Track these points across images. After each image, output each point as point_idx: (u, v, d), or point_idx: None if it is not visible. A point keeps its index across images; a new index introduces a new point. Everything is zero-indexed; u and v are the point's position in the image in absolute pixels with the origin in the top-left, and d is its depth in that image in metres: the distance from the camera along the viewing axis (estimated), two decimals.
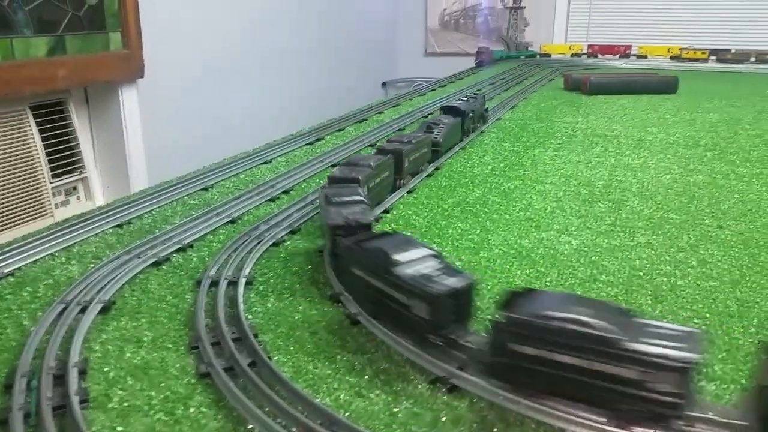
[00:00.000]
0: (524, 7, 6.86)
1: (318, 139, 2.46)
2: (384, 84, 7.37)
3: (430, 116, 2.83)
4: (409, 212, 1.64)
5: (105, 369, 0.92)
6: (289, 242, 1.42)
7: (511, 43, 6.60)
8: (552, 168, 2.12)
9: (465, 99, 2.51)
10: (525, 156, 2.28)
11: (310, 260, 1.32)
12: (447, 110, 2.34)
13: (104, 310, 1.09)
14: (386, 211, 1.62)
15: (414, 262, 0.96)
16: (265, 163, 2.12)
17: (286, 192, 1.79)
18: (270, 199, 1.72)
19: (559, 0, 6.98)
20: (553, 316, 0.78)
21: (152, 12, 3.46)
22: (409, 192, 1.79)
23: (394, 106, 3.28)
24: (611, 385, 0.75)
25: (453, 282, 0.91)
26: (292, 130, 2.61)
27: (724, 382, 0.90)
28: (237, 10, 4.50)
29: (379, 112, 3.08)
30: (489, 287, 1.22)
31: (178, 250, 1.37)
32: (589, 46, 6.20)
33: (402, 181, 1.77)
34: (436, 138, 2.04)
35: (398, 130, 2.64)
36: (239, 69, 4.51)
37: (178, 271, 1.28)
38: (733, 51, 5.97)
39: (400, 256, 0.97)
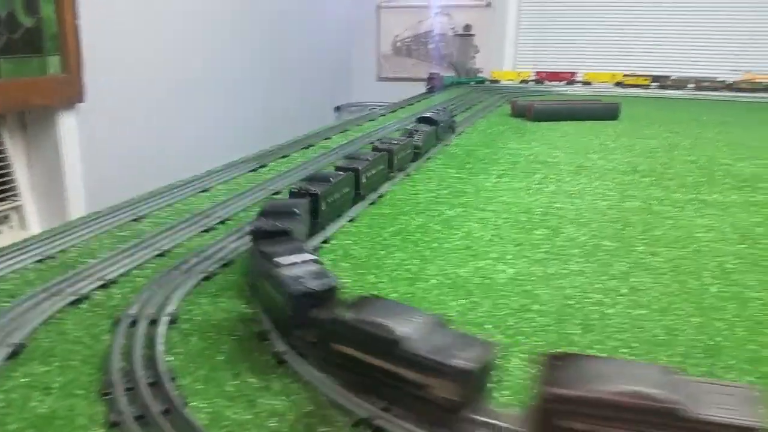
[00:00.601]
0: (474, 35, 7.02)
1: (261, 166, 2.43)
2: (337, 108, 7.39)
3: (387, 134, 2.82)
4: (349, 242, 1.62)
5: (6, 421, 0.86)
6: (220, 276, 1.38)
7: (461, 69, 6.73)
8: (494, 195, 2.14)
9: (436, 111, 2.88)
10: (469, 182, 2.29)
11: (241, 294, 1.28)
12: (422, 120, 2.76)
13: (13, 354, 1.03)
14: (325, 242, 1.60)
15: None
16: (203, 191, 2.07)
17: (222, 222, 1.75)
18: (205, 230, 1.67)
19: (507, 28, 7.18)
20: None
21: (94, 35, 3.38)
22: (350, 221, 1.78)
23: (342, 132, 3.28)
24: None
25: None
26: (242, 156, 2.57)
27: None
28: (184, 35, 4.45)
29: (327, 138, 3.07)
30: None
31: (100, 287, 1.31)
32: (537, 73, 6.37)
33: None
34: (416, 142, 2.41)
35: (345, 157, 2.62)
36: (185, 94, 4.45)
37: (97, 309, 1.22)
38: (673, 77, 6.23)
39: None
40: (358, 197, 1.86)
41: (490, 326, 1.18)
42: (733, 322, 1.23)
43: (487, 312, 1.25)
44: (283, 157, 2.62)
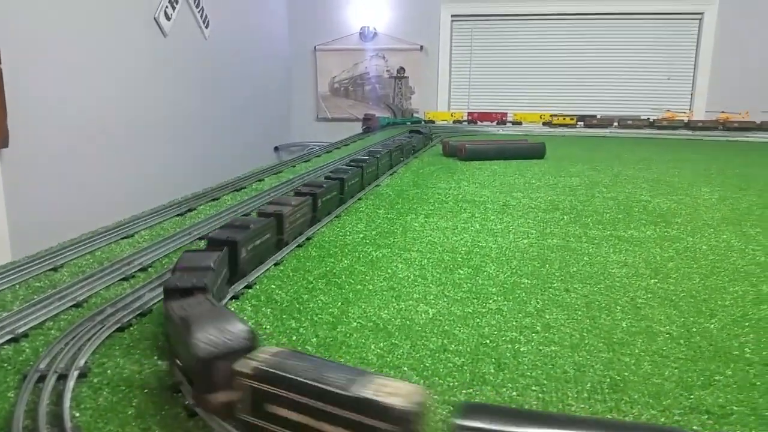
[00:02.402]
0: (407, 77, 7.22)
1: (189, 210, 2.40)
2: (276, 148, 7.39)
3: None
4: (273, 286, 1.61)
5: None
6: (136, 326, 1.35)
7: (396, 110, 6.89)
8: (421, 235, 2.18)
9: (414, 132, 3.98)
10: (397, 223, 2.33)
11: (156, 345, 1.25)
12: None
13: None
14: (248, 287, 1.59)
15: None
16: (126, 237, 2.03)
17: (143, 269, 1.71)
18: (124, 278, 1.63)
19: (441, 70, 7.44)
20: None
21: (19, 80, 3.29)
22: (276, 264, 1.77)
23: (275, 173, 3.28)
24: None
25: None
26: (171, 200, 2.53)
27: None
28: (113, 77, 4.38)
29: (260, 180, 3.07)
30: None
31: (9, 341, 1.26)
32: (469, 113, 6.60)
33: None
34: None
35: (269, 202, 2.63)
36: (114, 139, 4.36)
37: (5, 365, 1.17)
38: (598, 117, 6.58)
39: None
40: (281, 243, 1.85)
41: (407, 368, 1.20)
42: (640, 357, 1.29)
43: (407, 354, 1.27)
44: (213, 200, 2.60)
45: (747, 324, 1.46)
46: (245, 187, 2.87)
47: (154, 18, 4.90)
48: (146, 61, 4.82)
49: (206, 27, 5.66)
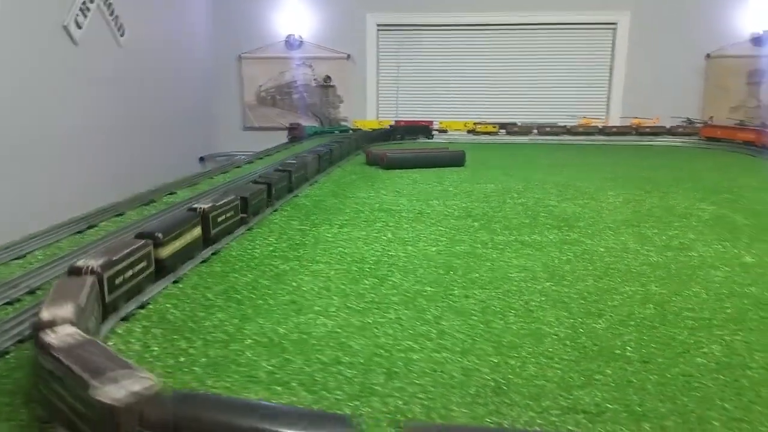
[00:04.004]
0: (334, 86, 7.23)
1: (90, 227, 2.30)
2: (202, 158, 7.23)
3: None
4: (168, 305, 1.57)
5: None
6: (13, 354, 1.28)
7: (324, 118, 6.88)
8: (332, 246, 2.18)
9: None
10: (309, 234, 2.32)
11: (31, 374, 1.19)
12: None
13: None
14: (142, 306, 1.54)
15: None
16: (18, 258, 1.92)
17: (31, 292, 1.63)
18: (8, 302, 1.55)
19: (368, 79, 7.49)
20: None
21: None
22: (175, 282, 1.73)
23: (190, 186, 3.20)
24: None
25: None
26: (70, 217, 2.41)
27: None
28: (17, 87, 4.17)
29: (171, 193, 2.99)
30: (228, 381, 1.19)
31: None
32: (397, 122, 6.66)
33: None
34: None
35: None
36: (21, 149, 4.14)
37: None
38: (519, 124, 6.79)
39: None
40: (160, 272, 1.68)
41: (296, 384, 1.19)
42: (526, 360, 1.33)
43: (298, 369, 1.26)
44: (118, 215, 2.51)
45: (632, 323, 1.53)
46: (155, 201, 2.78)
47: (64, 26, 4.69)
48: (55, 70, 4.61)
49: (121, 35, 5.48)
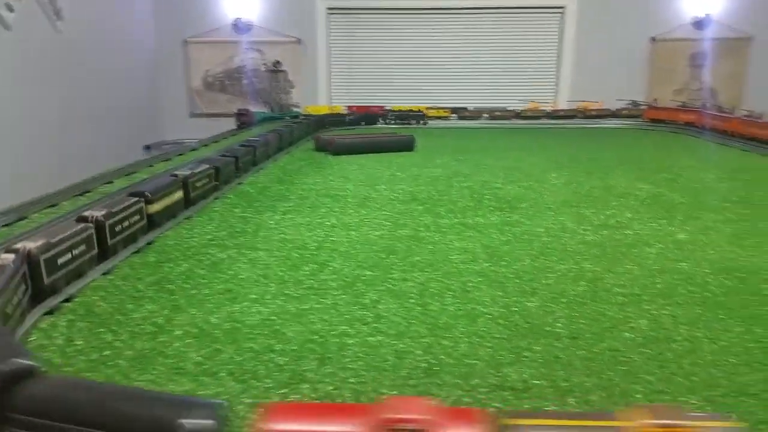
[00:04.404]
0: (285, 71, 7.11)
1: (21, 218, 2.20)
2: (148, 147, 7.02)
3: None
4: (96, 297, 1.52)
5: None
6: None
7: (274, 104, 6.76)
8: (274, 232, 2.15)
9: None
10: (251, 222, 2.28)
11: None
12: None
13: None
14: (68, 300, 1.48)
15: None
16: None
17: None
18: None
19: (319, 64, 7.39)
20: None
21: None
22: (105, 273, 1.67)
23: (127, 174, 3.10)
24: None
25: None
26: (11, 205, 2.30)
27: None
28: None
29: (108, 182, 2.89)
30: (153, 374, 1.16)
31: None
32: (348, 107, 6.61)
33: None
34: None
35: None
36: None
37: None
38: (470, 109, 6.83)
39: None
40: (103, 254, 1.72)
41: (224, 374, 1.17)
42: (459, 339, 1.34)
43: (228, 359, 1.23)
44: (52, 206, 2.41)
45: (563, 300, 1.56)
46: (90, 191, 2.69)
47: None
48: None
49: (58, 19, 5.24)
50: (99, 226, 1.70)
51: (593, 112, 6.64)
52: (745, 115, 5.43)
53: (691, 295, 1.60)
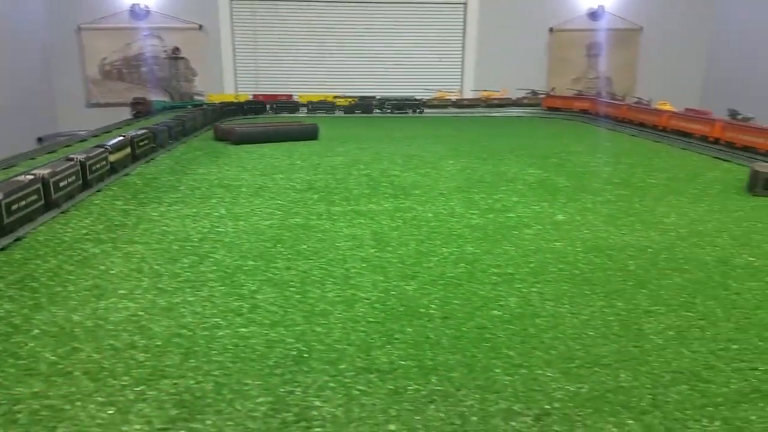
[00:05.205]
0: (185, 58, 6.85)
1: None
2: (40, 139, 6.56)
3: None
4: None
5: None
6: None
7: (175, 93, 6.51)
8: (156, 225, 2.06)
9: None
10: (132, 214, 2.18)
11: None
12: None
13: None
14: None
15: None
16: None
17: None
18: None
19: (223, 51, 7.17)
20: None
21: None
22: None
23: (5, 168, 2.89)
24: None
25: None
26: None
27: None
28: None
29: None
30: (2, 377, 1.08)
31: None
32: (255, 96, 6.46)
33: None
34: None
35: None
36: None
37: None
38: (377, 98, 6.86)
39: None
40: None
41: (79, 373, 1.11)
42: (333, 326, 1.34)
43: (86, 357, 1.17)
44: None
45: (441, 282, 1.60)
46: None
47: None
48: None
49: None
50: None
51: (495, 101, 6.85)
52: (634, 102, 5.80)
53: (560, 273, 1.69)
